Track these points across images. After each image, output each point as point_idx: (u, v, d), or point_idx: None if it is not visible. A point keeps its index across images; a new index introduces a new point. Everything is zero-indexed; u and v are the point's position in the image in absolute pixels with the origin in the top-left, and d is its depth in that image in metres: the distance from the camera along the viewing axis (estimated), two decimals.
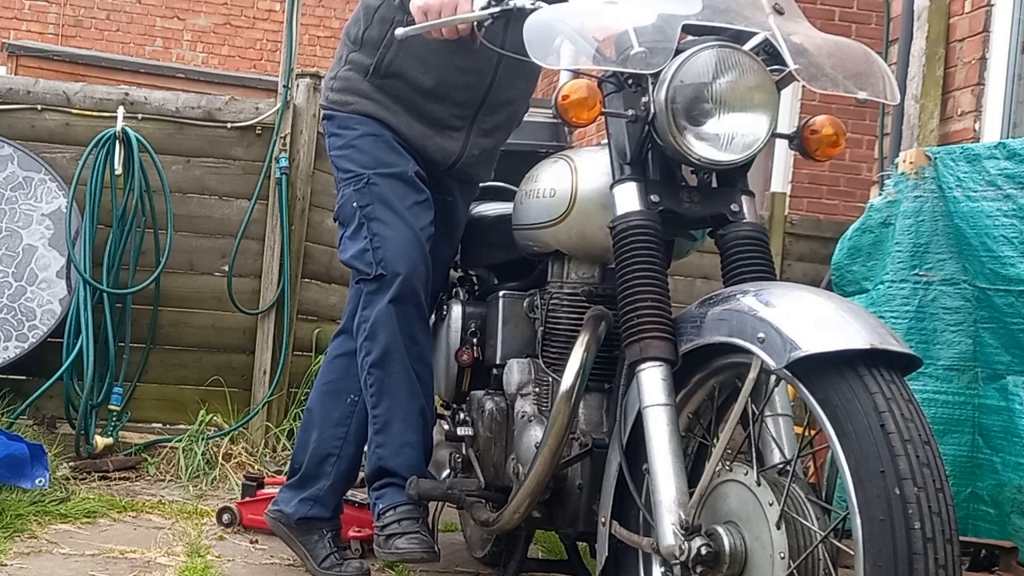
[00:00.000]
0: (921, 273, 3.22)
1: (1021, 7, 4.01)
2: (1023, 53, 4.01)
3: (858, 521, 1.55)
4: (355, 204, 2.57)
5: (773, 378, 1.79)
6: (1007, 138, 3.82)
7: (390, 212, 2.53)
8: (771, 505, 1.72)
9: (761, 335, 1.71)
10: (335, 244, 2.80)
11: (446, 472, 2.68)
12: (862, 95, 2.05)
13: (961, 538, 2.77)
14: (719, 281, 2.07)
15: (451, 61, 2.55)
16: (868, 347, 1.63)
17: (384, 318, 2.52)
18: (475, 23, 2.24)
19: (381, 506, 2.56)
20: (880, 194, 3.46)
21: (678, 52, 1.96)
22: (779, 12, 2.05)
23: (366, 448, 2.66)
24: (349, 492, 2.95)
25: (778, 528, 1.70)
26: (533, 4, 2.13)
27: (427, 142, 2.64)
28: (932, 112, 4.21)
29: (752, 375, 1.75)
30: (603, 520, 2.06)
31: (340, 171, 2.65)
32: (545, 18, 2.03)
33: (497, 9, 2.18)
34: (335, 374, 2.77)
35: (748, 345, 1.73)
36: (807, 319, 1.69)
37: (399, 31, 2.29)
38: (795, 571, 1.68)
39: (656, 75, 1.97)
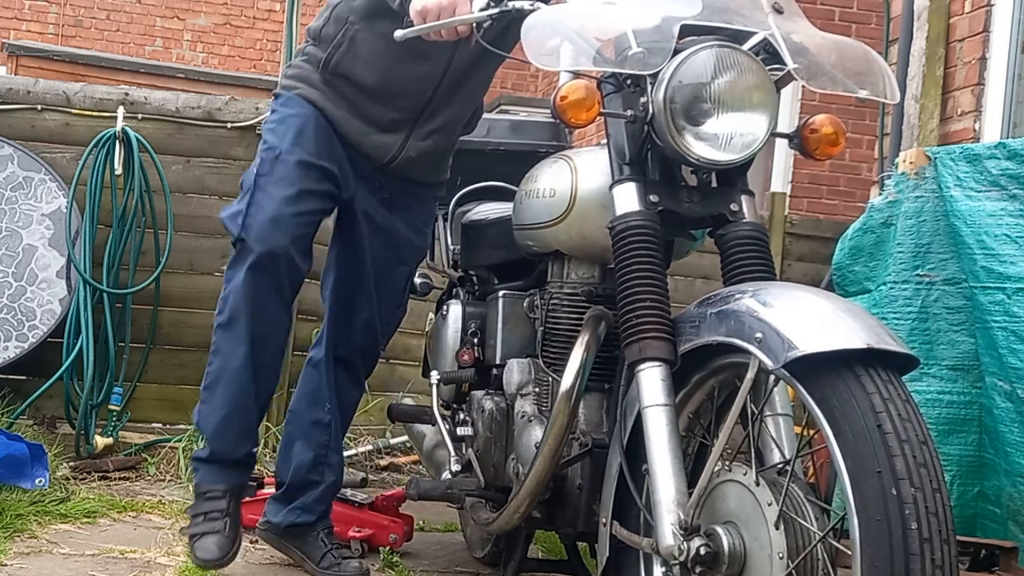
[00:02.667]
0: (923, 273, 3.22)
1: (1021, 7, 4.00)
2: (1023, 53, 4.01)
3: (855, 521, 1.55)
4: (255, 171, 2.59)
5: (772, 378, 1.78)
6: (1007, 138, 3.81)
7: (278, 188, 2.54)
8: (770, 505, 1.72)
9: (759, 335, 1.71)
10: None
11: (446, 472, 2.68)
12: (862, 94, 2.05)
13: (961, 538, 2.79)
14: (719, 281, 2.07)
15: (396, 68, 2.57)
16: (865, 347, 1.63)
17: (238, 285, 2.53)
18: (474, 24, 2.23)
19: (195, 481, 2.67)
20: (880, 194, 3.45)
21: (677, 52, 1.96)
22: (778, 11, 2.05)
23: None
24: (349, 492, 2.95)
25: (777, 528, 1.70)
26: (532, 5, 2.12)
27: (363, 139, 2.65)
28: (932, 112, 4.20)
29: (750, 375, 1.75)
30: (604, 520, 2.05)
31: (262, 141, 2.67)
32: (544, 19, 2.03)
33: (496, 10, 2.18)
34: (312, 384, 2.81)
35: (746, 345, 1.73)
36: (805, 319, 1.69)
37: (398, 33, 2.28)
38: (794, 571, 1.67)
39: (655, 75, 1.97)
